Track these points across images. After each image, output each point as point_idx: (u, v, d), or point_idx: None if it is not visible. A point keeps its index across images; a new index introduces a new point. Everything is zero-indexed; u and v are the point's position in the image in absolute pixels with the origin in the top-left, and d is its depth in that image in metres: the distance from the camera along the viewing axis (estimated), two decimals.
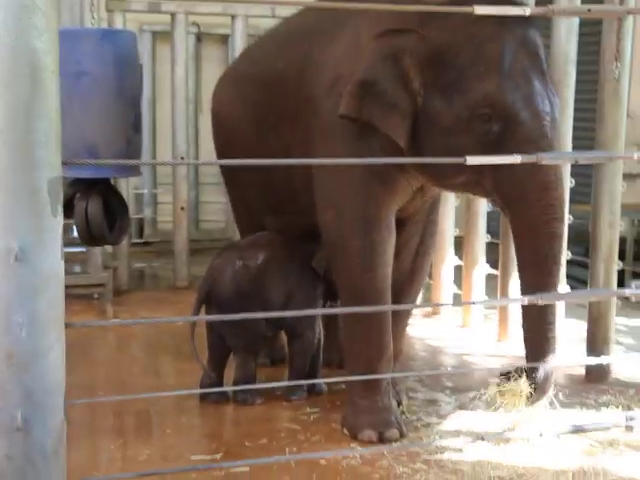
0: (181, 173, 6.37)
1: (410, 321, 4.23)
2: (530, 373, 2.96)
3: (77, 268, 6.18)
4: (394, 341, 3.52)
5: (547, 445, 3.27)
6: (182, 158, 6.33)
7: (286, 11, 4.95)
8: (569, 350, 4.47)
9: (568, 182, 4.24)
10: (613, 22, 3.95)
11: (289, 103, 3.62)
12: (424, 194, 3.52)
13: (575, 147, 4.45)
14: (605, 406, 3.78)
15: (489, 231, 5.22)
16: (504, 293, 4.79)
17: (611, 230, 4.15)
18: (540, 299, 2.39)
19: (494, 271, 5.07)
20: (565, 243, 4.06)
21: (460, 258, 5.42)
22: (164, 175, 7.60)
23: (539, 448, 3.25)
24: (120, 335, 5.08)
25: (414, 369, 4.39)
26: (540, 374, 2.96)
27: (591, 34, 4.86)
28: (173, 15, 6.22)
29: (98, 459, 3.32)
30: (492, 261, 5.16)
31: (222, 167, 4.56)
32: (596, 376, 4.17)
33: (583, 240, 5.26)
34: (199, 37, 8.10)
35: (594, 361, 4.11)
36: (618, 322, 4.41)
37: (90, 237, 3.75)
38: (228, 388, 3.80)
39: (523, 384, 3.02)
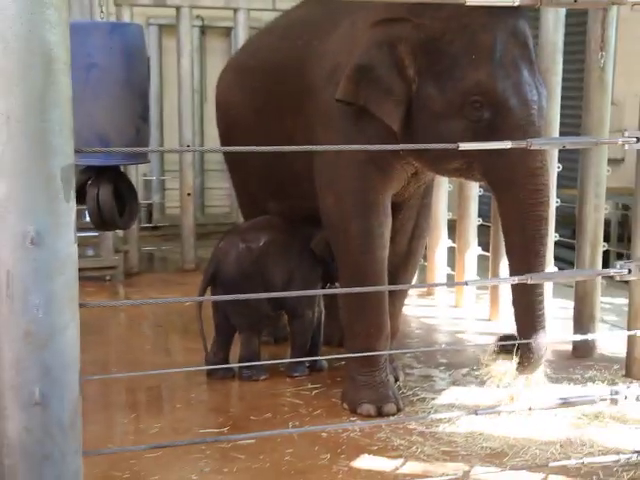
0: (187, 160, 6.36)
1: (406, 301, 4.24)
2: (522, 349, 2.97)
3: (90, 251, 6.18)
4: (391, 320, 3.52)
5: (536, 418, 3.28)
6: (188, 146, 6.31)
7: (286, 4, 4.92)
8: (556, 327, 4.48)
9: (555, 167, 4.23)
10: (598, 12, 3.94)
11: (290, 92, 3.60)
12: (418, 179, 3.51)
13: (562, 133, 4.44)
14: (591, 381, 3.79)
15: (480, 214, 5.21)
16: (495, 274, 4.79)
17: (596, 213, 4.15)
18: (530, 279, 2.38)
19: (485, 253, 5.07)
20: (552, 226, 4.07)
21: (453, 241, 5.42)
22: (171, 162, 7.58)
23: (529, 421, 3.26)
24: (131, 315, 5.09)
25: (410, 346, 4.40)
26: (532, 350, 2.96)
27: (577, 24, 4.84)
28: (178, 9, 6.19)
29: (112, 432, 3.33)
30: (484, 243, 5.16)
31: (225, 154, 4.55)
32: (582, 352, 4.18)
33: (570, 223, 5.26)
34: (203, 30, 8.06)
35: (580, 338, 4.12)
36: (603, 301, 4.41)
37: (101, 222, 3.74)
38: (234, 365, 3.81)
39: (512, 360, 3.03)
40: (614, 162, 4.81)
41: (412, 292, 5.47)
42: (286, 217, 3.90)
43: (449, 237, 5.50)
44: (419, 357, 4.16)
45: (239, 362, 3.80)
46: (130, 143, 3.55)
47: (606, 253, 4.50)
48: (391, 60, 3.08)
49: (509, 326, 4.70)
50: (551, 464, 2.84)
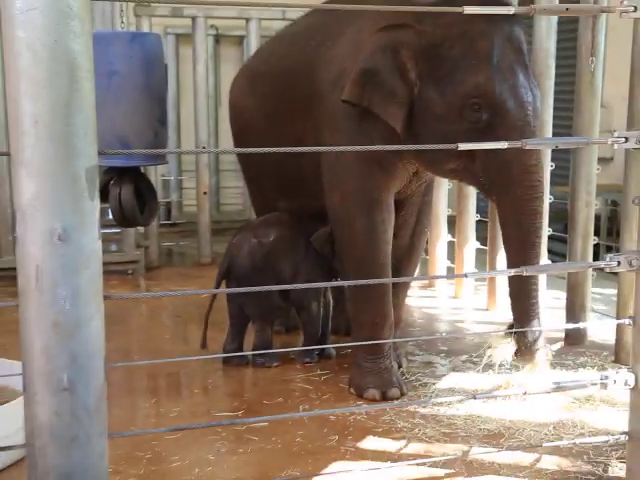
0: (203, 161, 6.35)
1: (409, 292, 4.23)
2: (518, 336, 2.97)
3: (113, 247, 6.20)
4: (395, 310, 3.52)
5: (531, 401, 3.27)
6: (204, 147, 6.30)
7: (296, 14, 4.91)
8: (550, 316, 4.47)
9: (549, 165, 4.22)
10: (588, 20, 3.92)
11: (299, 96, 3.60)
12: (419, 178, 3.50)
13: (555, 133, 4.42)
14: (582, 366, 3.78)
15: (479, 211, 5.19)
16: (492, 266, 4.78)
17: (587, 208, 4.13)
18: (525, 271, 2.38)
19: (483, 247, 5.05)
20: (546, 220, 4.05)
21: (453, 235, 5.40)
22: (188, 163, 7.57)
23: (524, 404, 3.26)
24: (152, 306, 5.09)
25: (413, 335, 4.39)
26: (528, 338, 2.96)
27: (569, 31, 4.82)
28: (194, 19, 6.18)
29: (135, 415, 3.34)
30: (482, 238, 5.14)
31: (239, 155, 4.54)
32: (574, 340, 4.17)
33: (562, 218, 5.24)
34: (218, 39, 8.04)
35: (572, 326, 4.11)
36: (593, 291, 4.40)
37: (123, 219, 3.75)
38: (248, 353, 3.81)
39: (510, 345, 3.03)
40: (604, 161, 4.79)
41: (414, 284, 5.46)
42: (295, 214, 3.89)
43: (449, 232, 5.49)
44: (421, 345, 4.16)
45: (253, 350, 3.80)
46: (149, 145, 3.55)
47: (596, 246, 4.49)
48: (394, 64, 3.08)
49: (506, 315, 4.72)
50: (545, 444, 2.85)
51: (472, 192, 5.13)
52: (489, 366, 3.40)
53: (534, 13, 2.28)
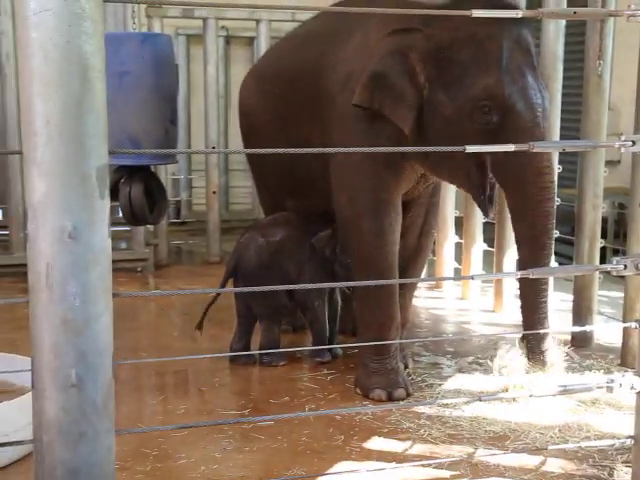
0: (213, 161, 6.37)
1: (416, 293, 4.23)
2: (528, 341, 2.99)
3: (123, 245, 6.22)
4: (401, 311, 3.52)
5: (536, 404, 3.27)
6: (213, 147, 6.32)
7: (305, 16, 4.92)
8: (557, 319, 4.45)
9: (556, 168, 4.21)
10: (596, 23, 3.91)
11: (307, 98, 3.60)
12: (427, 180, 3.51)
13: (562, 136, 4.41)
14: (588, 369, 3.76)
15: None
16: (499, 268, 4.77)
17: (594, 211, 4.12)
18: (532, 274, 2.37)
19: (490, 248, 5.05)
20: None
21: (460, 237, 5.40)
22: (198, 162, 7.59)
23: (529, 406, 3.25)
24: (160, 304, 5.10)
25: (419, 336, 4.39)
26: (540, 346, 2.99)
27: (577, 34, 4.81)
28: (205, 20, 6.20)
29: (142, 412, 3.35)
30: (489, 240, 5.13)
31: (248, 155, 4.55)
32: (580, 342, 4.15)
33: (569, 220, 5.22)
34: (228, 40, 8.06)
35: (579, 329, 4.10)
36: (600, 294, 4.39)
37: (133, 217, 3.76)
38: (255, 352, 3.82)
39: (521, 356, 3.05)
40: (611, 164, 4.78)
41: (421, 285, 5.46)
42: (303, 214, 3.89)
43: (456, 233, 5.48)
44: (428, 346, 4.15)
45: (259, 349, 3.81)
46: (159, 145, 3.56)
47: (603, 249, 4.47)
48: (403, 68, 3.08)
49: (513, 317, 4.72)
50: (550, 447, 2.83)
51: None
52: (498, 370, 3.40)
53: (542, 16, 2.28)
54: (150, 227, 6.00)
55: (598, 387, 2.33)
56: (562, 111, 4.37)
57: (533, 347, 3.12)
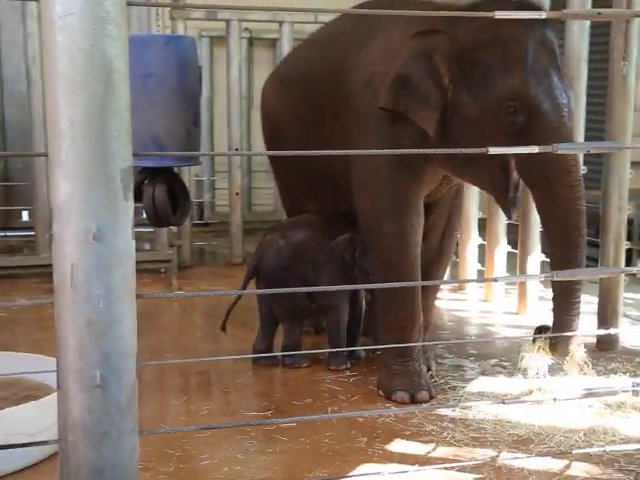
0: (236, 162, 6.39)
1: (439, 295, 4.22)
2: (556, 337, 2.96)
3: (147, 246, 6.26)
4: (424, 313, 3.50)
5: (561, 407, 3.24)
6: (236, 149, 6.35)
7: (328, 17, 4.92)
8: (582, 321, 4.41)
9: (581, 169, 4.17)
10: (621, 24, 3.88)
11: (329, 100, 3.60)
12: (449, 181, 3.49)
13: (587, 137, 4.38)
14: (614, 372, 3.73)
15: None
16: (523, 270, 4.74)
17: (620, 213, 4.09)
18: (556, 276, 2.35)
19: (514, 250, 5.01)
20: None
21: (483, 238, 5.37)
22: (221, 164, 7.62)
23: (554, 410, 3.22)
24: (184, 305, 5.13)
25: (442, 338, 4.37)
26: (566, 345, 2.96)
27: (601, 35, 4.76)
28: (228, 22, 6.23)
29: (166, 413, 3.37)
30: (512, 241, 5.10)
31: (270, 157, 4.56)
32: (606, 345, 4.12)
33: (594, 222, 5.16)
34: (251, 41, 8.09)
35: (604, 332, 4.06)
36: (626, 296, 4.34)
37: (156, 219, 3.78)
38: (277, 354, 3.82)
39: (546, 354, 3.02)
40: (636, 165, 4.71)
41: (444, 287, 5.44)
42: (326, 216, 3.88)
43: (479, 235, 5.46)
44: (450, 348, 4.14)
45: (282, 351, 3.81)
46: (182, 146, 3.57)
47: (629, 251, 4.44)
48: (427, 70, 3.07)
49: (538, 319, 4.68)
50: (575, 451, 2.81)
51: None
52: (523, 372, 3.37)
53: (566, 17, 2.26)
54: (173, 228, 6.04)
55: (623, 390, 2.30)
56: (587, 112, 4.34)
57: (558, 346, 3.08)
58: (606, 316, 4.12)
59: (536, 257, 4.75)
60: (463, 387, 3.55)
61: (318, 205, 4.01)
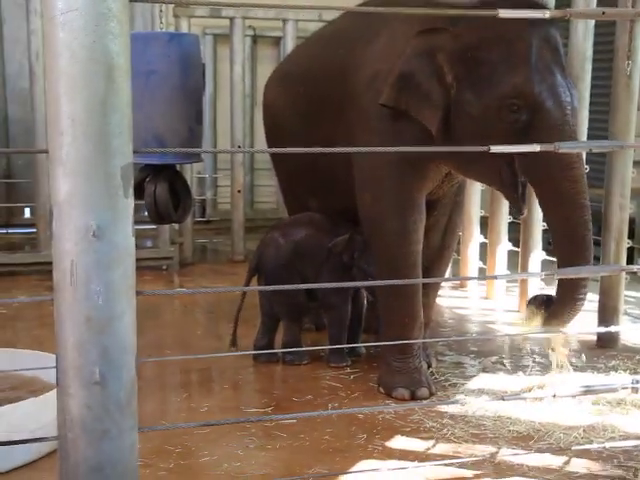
0: (238, 160, 6.39)
1: (440, 293, 4.21)
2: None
3: (148, 243, 6.26)
4: (425, 310, 3.50)
5: (561, 404, 3.24)
6: (239, 146, 6.34)
7: (332, 15, 4.91)
8: (582, 319, 4.40)
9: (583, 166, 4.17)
10: (626, 23, 3.87)
11: (332, 98, 3.60)
12: (451, 179, 3.48)
13: (590, 136, 4.37)
14: (614, 370, 3.73)
15: (511, 212, 5.14)
16: (524, 268, 4.74)
17: (621, 212, 4.08)
18: (556, 275, 2.35)
19: (515, 248, 5.01)
20: None
21: (485, 236, 5.36)
22: (223, 161, 7.62)
23: (553, 406, 3.22)
24: (185, 302, 5.13)
25: (443, 335, 4.37)
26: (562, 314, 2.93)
27: (606, 34, 4.75)
28: (232, 20, 6.22)
29: (166, 410, 3.37)
30: (514, 239, 5.10)
31: (272, 155, 4.55)
32: (606, 343, 4.13)
33: (596, 220, 5.14)
34: (255, 39, 8.08)
35: (604, 329, 4.05)
36: (626, 294, 4.34)
37: (158, 216, 3.78)
38: (278, 350, 3.82)
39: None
40: (639, 164, 4.71)
41: (446, 284, 5.44)
42: (328, 215, 3.87)
43: (481, 233, 5.45)
44: (451, 345, 4.14)
45: (282, 347, 3.81)
46: (184, 144, 3.57)
47: (630, 250, 4.43)
48: (431, 68, 3.07)
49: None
50: (574, 447, 2.81)
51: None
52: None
53: (570, 16, 2.25)
54: (175, 226, 6.04)
55: (623, 387, 2.30)
56: (590, 111, 4.34)
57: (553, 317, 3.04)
58: (607, 314, 4.12)
59: (538, 255, 4.74)
60: (463, 384, 3.55)
61: (320, 203, 4.01)
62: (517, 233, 4.90)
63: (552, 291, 3.15)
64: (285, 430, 3.00)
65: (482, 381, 3.59)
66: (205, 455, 2.80)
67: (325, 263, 3.72)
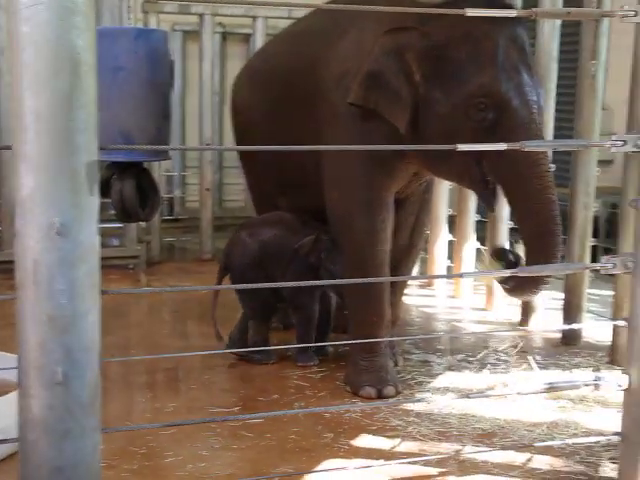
0: (207, 158, 6.36)
1: (407, 291, 4.23)
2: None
3: (115, 241, 6.19)
4: (392, 309, 3.51)
5: (524, 401, 3.27)
6: (208, 144, 6.31)
7: (302, 13, 4.90)
8: (547, 317, 4.47)
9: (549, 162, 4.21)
10: (591, 24, 3.92)
11: (300, 96, 3.59)
12: (420, 178, 3.50)
13: (556, 135, 4.42)
14: (577, 367, 3.78)
15: (479, 211, 5.19)
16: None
17: (586, 211, 4.13)
18: (520, 272, 2.38)
19: (483, 247, 5.05)
20: None
21: (453, 235, 5.40)
22: (192, 159, 7.57)
23: (518, 404, 3.26)
24: (152, 301, 5.08)
25: (410, 334, 4.39)
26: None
27: (572, 34, 4.81)
28: (201, 16, 6.19)
29: (131, 410, 3.33)
30: (481, 238, 5.14)
31: (240, 153, 4.53)
32: (570, 340, 4.17)
33: (562, 219, 5.23)
34: (224, 36, 8.03)
35: (568, 327, 4.11)
36: (590, 292, 4.39)
37: (125, 214, 3.74)
38: (244, 350, 3.76)
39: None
40: (604, 163, 4.77)
41: (413, 283, 5.47)
42: (298, 214, 3.85)
43: (449, 232, 5.49)
44: (418, 343, 4.15)
45: (250, 347, 3.79)
46: (152, 141, 3.54)
47: (595, 248, 4.49)
48: (399, 67, 3.08)
49: (503, 315, 4.73)
50: (537, 444, 2.85)
51: (473, 192, 5.12)
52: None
53: (536, 16, 2.28)
54: (142, 224, 5.97)
55: (586, 384, 2.34)
56: (556, 110, 4.38)
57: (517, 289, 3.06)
58: (571, 311, 4.18)
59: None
60: (429, 382, 3.56)
61: (290, 202, 3.99)
62: (484, 231, 4.94)
63: (520, 251, 3.14)
64: (251, 430, 2.99)
65: (448, 379, 3.61)
66: (170, 456, 2.78)
67: (292, 263, 3.69)
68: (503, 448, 2.86)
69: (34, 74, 1.41)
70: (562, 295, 4.27)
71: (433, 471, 2.69)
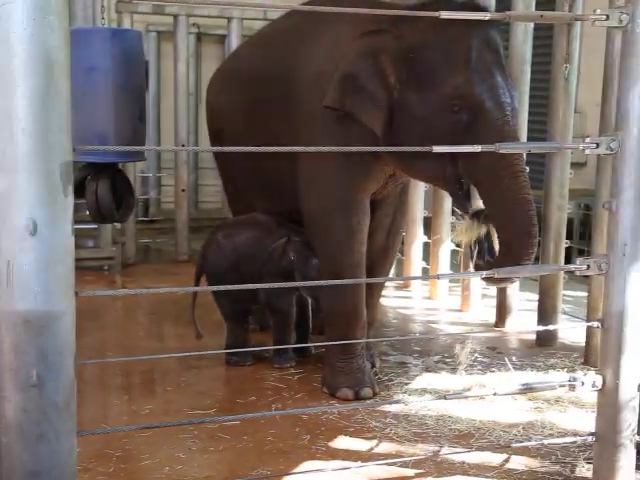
0: (182, 158, 6.32)
1: (384, 292, 4.24)
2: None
3: (90, 243, 6.13)
4: (369, 310, 3.52)
5: (501, 402, 3.29)
6: (183, 145, 6.28)
7: (277, 14, 4.90)
8: (521, 318, 4.50)
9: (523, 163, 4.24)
10: (563, 27, 3.96)
11: (275, 97, 3.58)
12: (396, 180, 3.51)
13: (529, 138, 4.45)
14: (552, 368, 3.81)
15: (454, 213, 5.21)
16: (466, 268, 4.80)
17: (560, 212, 4.16)
18: (497, 274, 2.39)
19: (458, 248, 5.07)
20: None
21: (428, 237, 5.42)
22: (167, 160, 7.53)
23: (494, 405, 3.28)
24: (127, 303, 5.05)
25: (386, 335, 4.40)
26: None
27: (545, 37, 4.86)
28: (176, 17, 6.16)
29: (106, 413, 3.31)
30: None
31: (215, 154, 4.51)
32: (545, 341, 4.21)
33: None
34: (199, 37, 8.01)
35: (543, 328, 4.14)
36: (565, 294, 4.43)
37: (100, 215, 3.72)
38: (220, 351, 3.76)
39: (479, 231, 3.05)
40: (578, 165, 4.83)
41: (389, 284, 5.48)
42: (273, 217, 3.83)
43: (425, 233, 5.51)
44: (395, 345, 4.17)
45: (225, 349, 3.77)
46: (127, 142, 3.52)
47: (569, 250, 4.53)
48: (374, 69, 3.08)
49: (479, 316, 4.76)
50: (514, 445, 2.87)
51: (447, 193, 5.14)
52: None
53: (509, 19, 2.30)
54: (118, 225, 5.93)
55: (561, 385, 2.36)
56: (529, 113, 4.41)
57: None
58: (546, 313, 4.21)
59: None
60: (406, 383, 3.57)
61: (266, 204, 3.97)
62: None
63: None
64: (228, 432, 2.98)
65: (425, 380, 3.63)
66: (146, 459, 2.76)
67: (266, 265, 3.68)
68: (480, 449, 2.87)
69: (6, 73, 1.40)
70: (537, 296, 4.30)
71: (410, 472, 2.70)
